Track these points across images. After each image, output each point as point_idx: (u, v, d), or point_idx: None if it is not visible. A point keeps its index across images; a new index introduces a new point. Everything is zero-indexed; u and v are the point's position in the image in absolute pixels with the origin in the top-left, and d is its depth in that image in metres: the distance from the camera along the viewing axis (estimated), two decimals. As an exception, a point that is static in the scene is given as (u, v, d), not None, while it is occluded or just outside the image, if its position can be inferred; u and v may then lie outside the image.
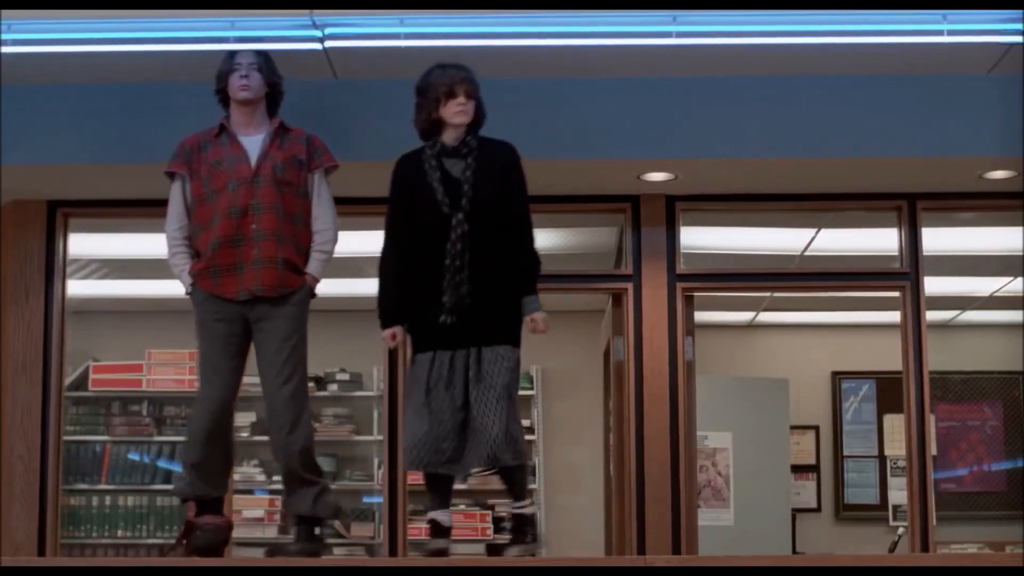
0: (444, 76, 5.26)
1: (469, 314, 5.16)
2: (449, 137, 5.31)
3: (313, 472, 5.49)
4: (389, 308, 5.35)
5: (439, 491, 5.32)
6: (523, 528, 5.31)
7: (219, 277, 5.45)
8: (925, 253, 7.43)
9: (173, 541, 8.11)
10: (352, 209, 7.58)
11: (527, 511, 5.33)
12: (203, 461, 5.47)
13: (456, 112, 5.26)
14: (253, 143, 5.57)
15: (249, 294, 5.43)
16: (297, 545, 5.47)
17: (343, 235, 8.60)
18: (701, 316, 7.79)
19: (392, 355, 7.39)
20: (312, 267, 5.58)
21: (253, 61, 5.65)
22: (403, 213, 5.34)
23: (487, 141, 5.36)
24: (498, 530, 9.46)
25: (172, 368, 8.52)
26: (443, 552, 5.25)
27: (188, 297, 5.58)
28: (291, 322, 5.47)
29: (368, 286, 8.01)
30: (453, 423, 5.14)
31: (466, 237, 5.17)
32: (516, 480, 5.30)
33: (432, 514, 5.33)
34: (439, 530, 5.29)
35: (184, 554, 5.46)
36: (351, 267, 9.00)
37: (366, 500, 9.43)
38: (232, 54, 5.71)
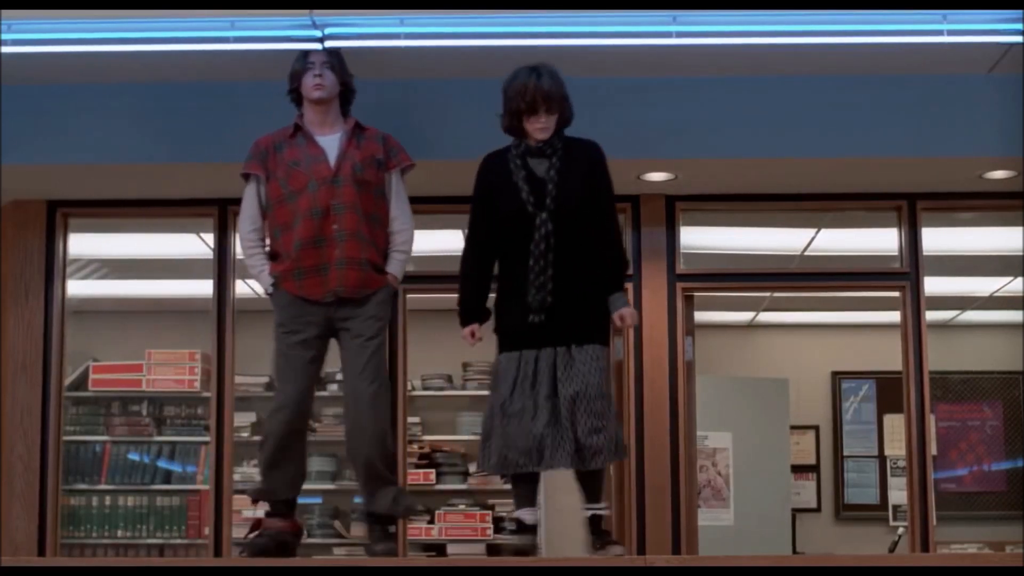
0: (526, 92, 5.19)
1: (555, 313, 5.14)
2: (534, 138, 5.29)
3: (393, 472, 5.51)
4: (469, 306, 5.35)
5: (524, 490, 5.31)
6: (602, 530, 5.28)
7: (304, 279, 5.43)
8: (925, 253, 7.43)
9: (185, 541, 8.18)
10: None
11: (604, 513, 5.30)
12: (278, 462, 5.46)
13: (538, 128, 5.24)
14: (330, 142, 5.55)
15: (334, 295, 5.42)
16: (381, 545, 5.41)
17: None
18: (701, 316, 7.79)
19: (392, 355, 7.39)
20: (393, 267, 5.58)
21: (326, 60, 5.62)
22: (487, 212, 5.32)
23: (572, 140, 5.34)
24: (498, 530, 9.46)
25: (172, 368, 8.51)
26: (528, 551, 5.22)
27: (268, 297, 5.56)
28: (375, 322, 5.47)
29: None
30: (540, 422, 5.10)
31: (550, 236, 5.15)
32: (598, 482, 5.28)
33: (518, 513, 5.32)
34: (523, 528, 5.28)
35: (245, 554, 5.45)
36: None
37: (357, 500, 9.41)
38: (305, 53, 5.68)
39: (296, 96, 5.68)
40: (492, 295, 5.40)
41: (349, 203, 5.44)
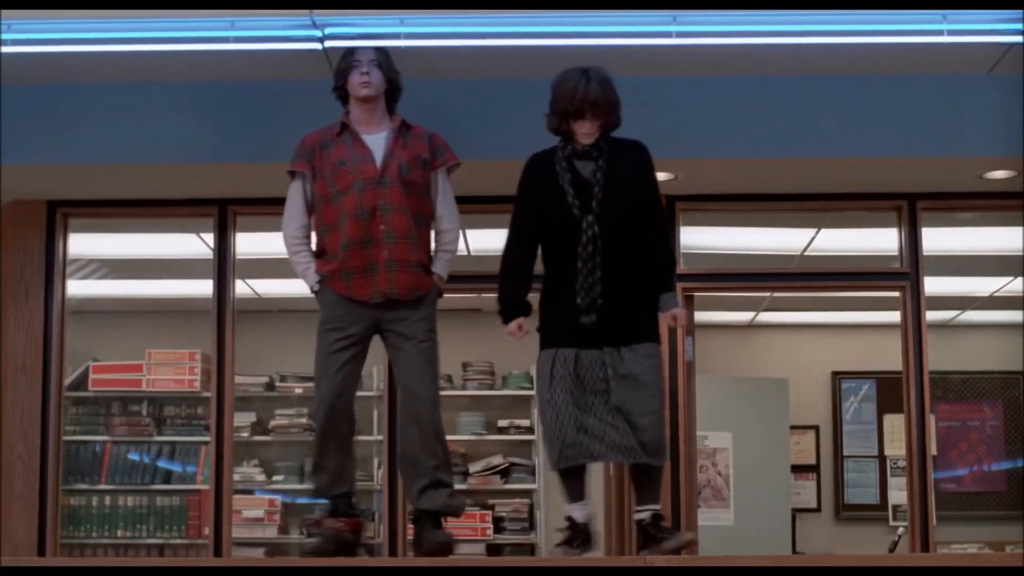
0: (574, 97, 5.19)
1: (606, 314, 5.14)
2: (580, 141, 5.28)
3: (449, 474, 5.49)
4: (511, 302, 5.35)
5: (574, 484, 5.29)
6: (662, 528, 5.24)
7: (351, 279, 5.41)
8: (925, 253, 7.43)
9: (185, 541, 8.18)
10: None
11: (647, 515, 5.24)
12: (321, 461, 5.46)
13: (583, 133, 5.25)
14: (376, 141, 5.51)
15: (382, 297, 5.40)
16: (442, 536, 5.35)
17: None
18: (701, 316, 7.80)
19: (392, 355, 7.39)
20: (439, 267, 5.55)
21: (373, 58, 5.57)
22: (531, 213, 5.31)
23: (618, 141, 5.34)
24: (498, 530, 9.47)
25: (172, 368, 8.52)
26: (581, 551, 5.20)
27: (314, 295, 5.54)
28: (427, 324, 5.45)
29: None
30: (593, 420, 5.11)
31: (597, 239, 5.15)
32: (654, 481, 5.25)
33: (568, 509, 5.29)
34: (575, 527, 5.26)
35: (302, 555, 5.46)
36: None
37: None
38: (351, 51, 5.63)
39: (342, 94, 5.63)
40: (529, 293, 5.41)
41: (396, 204, 5.40)
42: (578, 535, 5.25)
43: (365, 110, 5.56)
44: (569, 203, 5.19)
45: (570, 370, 5.15)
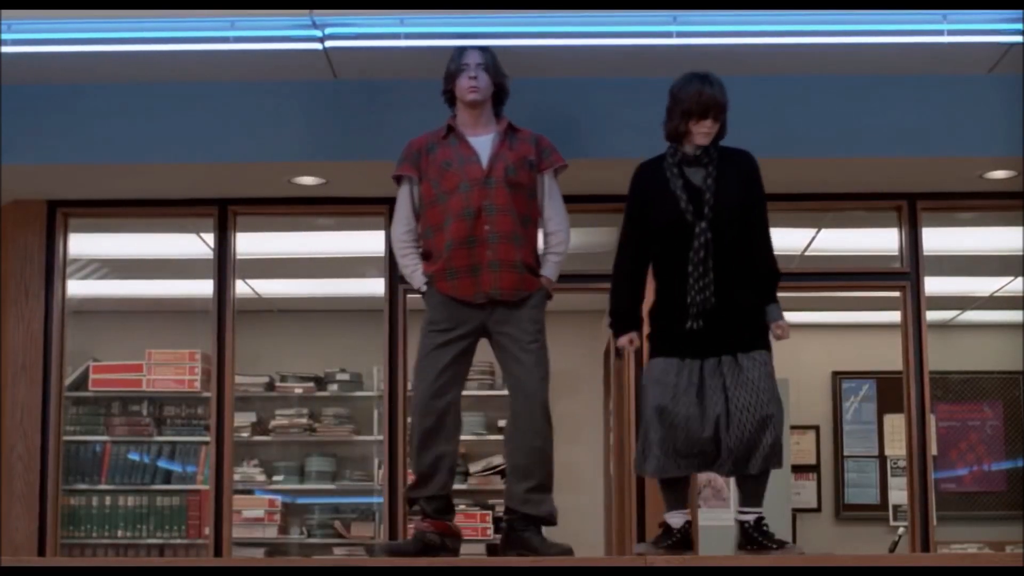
0: (701, 98, 5.24)
1: (718, 321, 5.17)
2: (691, 146, 5.31)
3: (551, 478, 5.48)
4: (624, 313, 5.38)
5: (675, 492, 5.31)
6: (762, 532, 5.25)
7: (456, 279, 5.40)
8: (925, 253, 7.44)
9: (185, 541, 8.18)
10: (352, 209, 7.62)
11: (762, 514, 5.27)
12: (432, 462, 5.44)
13: (703, 133, 5.27)
14: (482, 143, 5.51)
15: (486, 297, 5.39)
16: (543, 547, 5.31)
17: (339, 235, 8.63)
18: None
19: (392, 355, 7.40)
20: (548, 270, 5.54)
21: (481, 61, 5.55)
22: (642, 220, 5.32)
23: (726, 149, 5.37)
24: (498, 530, 9.45)
25: (172, 368, 8.51)
26: (667, 551, 5.20)
27: (421, 296, 5.54)
28: (534, 325, 5.44)
29: (367, 286, 8.06)
30: (704, 430, 5.12)
31: (709, 245, 5.18)
32: (760, 486, 5.27)
33: (666, 515, 5.31)
34: (668, 532, 5.27)
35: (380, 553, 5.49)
36: (351, 268, 9.02)
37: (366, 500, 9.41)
38: (460, 53, 5.60)
39: (449, 97, 5.62)
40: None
41: (502, 205, 5.40)
42: (670, 536, 5.26)
43: (472, 113, 5.55)
44: (682, 209, 5.22)
45: (694, 381, 5.16)
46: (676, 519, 5.29)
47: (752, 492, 5.27)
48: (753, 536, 5.20)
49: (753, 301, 5.27)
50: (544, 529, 5.49)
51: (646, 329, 5.40)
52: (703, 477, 9.65)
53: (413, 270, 5.55)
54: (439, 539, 5.43)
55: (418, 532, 5.44)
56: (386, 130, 6.76)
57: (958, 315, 10.50)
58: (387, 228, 7.40)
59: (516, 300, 5.42)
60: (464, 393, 9.80)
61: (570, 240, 5.64)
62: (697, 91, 5.25)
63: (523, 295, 5.43)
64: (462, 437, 9.38)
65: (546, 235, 5.58)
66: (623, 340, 5.37)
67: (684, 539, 5.28)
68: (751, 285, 5.27)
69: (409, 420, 5.59)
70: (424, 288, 5.49)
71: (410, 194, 5.58)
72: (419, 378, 5.46)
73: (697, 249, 5.18)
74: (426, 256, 5.53)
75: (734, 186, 5.27)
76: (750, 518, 5.23)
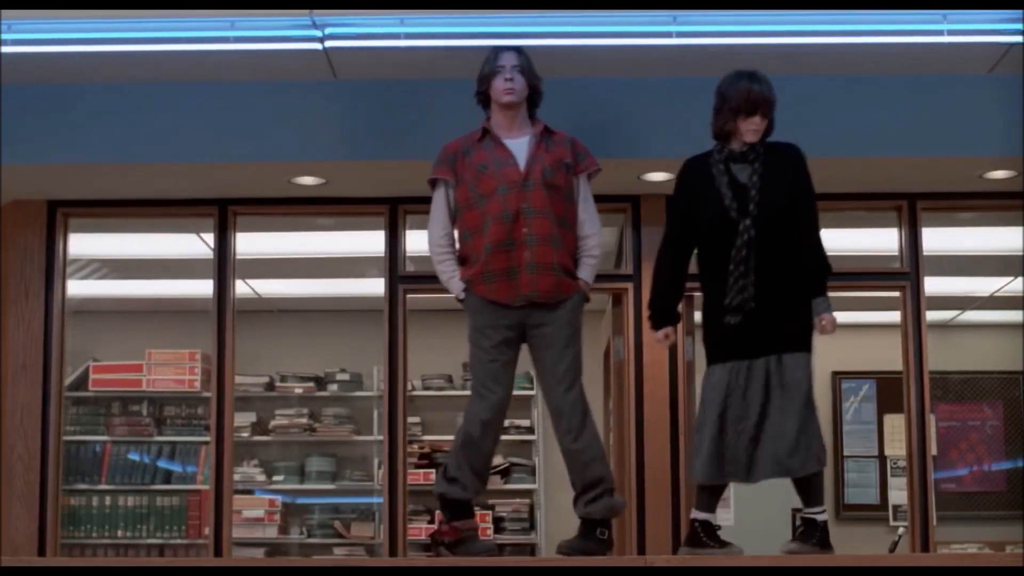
0: (750, 95, 5.27)
1: (759, 320, 5.18)
2: (738, 143, 5.32)
3: (609, 472, 5.49)
4: (662, 308, 5.41)
5: (711, 495, 5.34)
6: (813, 531, 5.29)
7: (494, 282, 5.40)
8: (925, 253, 7.43)
9: (185, 541, 8.18)
10: (352, 209, 7.61)
11: (819, 518, 5.31)
12: (471, 464, 5.46)
13: (751, 130, 5.29)
14: (518, 146, 5.49)
15: (525, 300, 5.39)
16: (587, 543, 5.37)
17: (339, 235, 8.62)
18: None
19: (392, 355, 7.39)
20: (584, 273, 5.55)
21: (516, 63, 5.54)
22: (687, 216, 5.34)
23: (773, 144, 5.38)
24: (498, 530, 9.46)
25: (172, 368, 8.52)
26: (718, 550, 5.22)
27: (461, 303, 5.54)
28: (570, 328, 5.46)
29: (367, 286, 8.05)
30: (749, 433, 5.16)
31: (752, 242, 5.19)
32: (814, 486, 5.30)
33: (695, 513, 5.34)
34: (709, 530, 5.30)
35: (434, 553, 5.50)
36: (351, 268, 9.02)
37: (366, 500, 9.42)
38: (495, 55, 5.59)
39: (483, 98, 5.60)
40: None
41: (540, 207, 5.39)
42: (711, 536, 5.28)
43: (507, 116, 5.54)
44: (726, 206, 5.23)
45: (740, 384, 5.18)
46: (709, 519, 5.31)
47: (807, 492, 5.31)
48: (816, 533, 5.26)
49: (797, 299, 5.27)
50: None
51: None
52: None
53: (450, 276, 5.54)
54: (463, 538, 5.48)
55: (472, 530, 5.49)
56: (386, 130, 6.76)
57: (958, 315, 10.49)
58: (387, 228, 7.42)
59: (554, 302, 5.42)
60: (464, 393, 9.82)
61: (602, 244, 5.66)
62: (746, 88, 5.27)
63: (561, 298, 5.44)
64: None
65: (580, 239, 5.56)
66: (659, 335, 5.42)
67: (718, 538, 5.31)
68: (795, 283, 5.27)
69: (458, 422, 5.59)
70: (462, 295, 5.49)
71: (446, 197, 5.56)
72: (482, 384, 5.47)
73: (739, 247, 5.19)
74: (462, 260, 5.53)
75: (780, 182, 5.28)
76: (821, 517, 5.29)
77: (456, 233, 5.57)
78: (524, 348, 5.56)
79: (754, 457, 5.18)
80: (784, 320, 5.22)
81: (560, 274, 5.42)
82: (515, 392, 9.89)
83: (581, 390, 5.49)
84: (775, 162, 5.31)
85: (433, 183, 5.59)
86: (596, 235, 5.59)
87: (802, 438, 5.14)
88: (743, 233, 5.19)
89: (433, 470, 9.34)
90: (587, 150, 5.63)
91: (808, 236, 5.33)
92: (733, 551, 5.28)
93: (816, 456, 5.19)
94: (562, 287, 5.43)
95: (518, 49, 5.62)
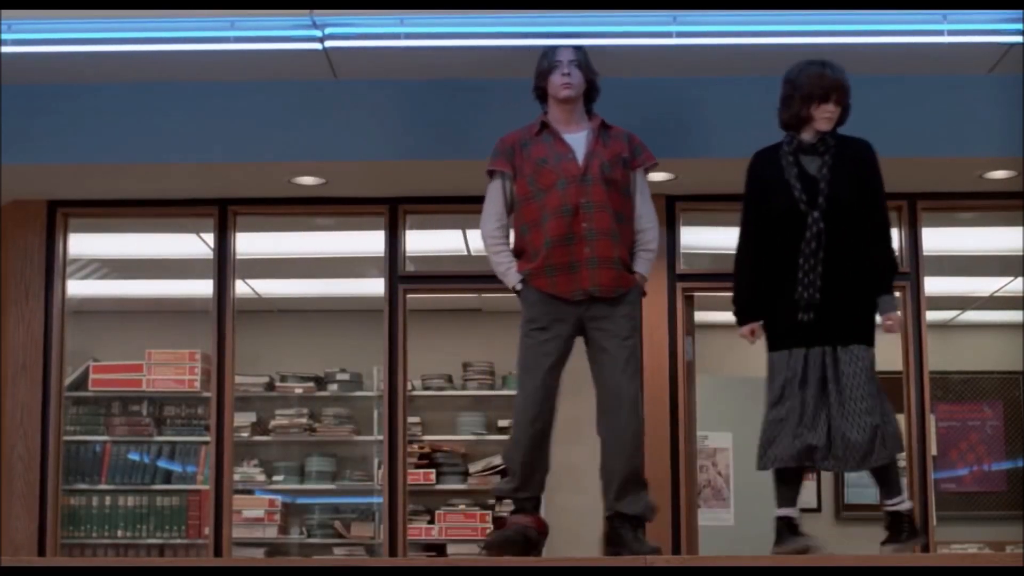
0: (823, 80, 5.25)
1: (823, 311, 5.17)
2: (808, 134, 5.31)
3: (639, 468, 5.50)
4: (747, 304, 5.39)
5: (790, 487, 5.32)
6: (900, 525, 5.27)
7: (555, 276, 5.40)
8: (925, 253, 7.44)
9: (185, 541, 8.18)
10: (352, 209, 7.61)
11: (902, 507, 5.29)
12: (527, 460, 5.45)
13: (825, 117, 5.27)
14: (576, 140, 5.51)
15: (585, 294, 5.39)
16: (635, 544, 5.35)
17: (339, 235, 8.62)
18: (701, 316, 7.78)
19: (392, 355, 7.39)
20: (640, 266, 5.55)
21: (573, 58, 5.55)
22: (760, 209, 5.33)
23: (844, 138, 5.36)
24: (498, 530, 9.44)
25: (172, 368, 8.50)
26: (805, 550, 5.18)
27: (516, 295, 5.52)
28: (630, 322, 5.46)
29: (367, 286, 8.05)
30: (812, 420, 5.15)
31: (821, 235, 5.18)
32: (889, 477, 5.29)
33: (781, 511, 5.31)
34: (791, 527, 5.27)
35: (484, 551, 5.45)
36: (351, 268, 9.02)
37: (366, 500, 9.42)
38: (553, 50, 5.59)
39: (540, 94, 5.61)
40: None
41: (599, 202, 5.40)
42: (795, 531, 5.26)
43: (564, 110, 5.55)
44: (796, 198, 5.22)
45: (798, 372, 5.18)
46: (794, 513, 5.29)
47: (885, 482, 5.28)
48: (903, 526, 5.23)
49: (862, 294, 5.25)
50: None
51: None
52: (703, 477, 9.66)
53: (507, 268, 5.53)
54: (538, 536, 5.49)
55: (520, 525, 5.45)
56: (386, 130, 6.76)
57: (958, 315, 10.49)
58: (387, 228, 7.42)
59: (614, 296, 5.43)
60: (464, 393, 9.90)
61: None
62: (818, 74, 5.25)
63: (620, 292, 5.44)
64: (462, 437, 9.53)
65: (637, 232, 5.57)
66: (744, 331, 5.41)
67: (800, 534, 5.28)
68: (861, 278, 5.25)
69: (512, 419, 5.59)
70: (519, 287, 5.49)
71: (502, 190, 5.56)
72: (528, 376, 5.47)
73: (808, 240, 5.18)
74: (517, 253, 5.53)
75: (850, 176, 5.26)
76: (904, 506, 5.26)
77: (512, 225, 5.55)
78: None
79: (823, 447, 5.15)
80: (849, 313, 5.20)
81: (620, 268, 5.44)
82: (515, 392, 9.97)
83: (641, 382, 5.51)
84: (845, 156, 5.29)
85: (491, 174, 5.59)
86: (653, 229, 5.60)
87: (877, 428, 5.13)
88: (812, 226, 5.18)
89: (433, 470, 9.35)
90: (644, 144, 5.64)
91: (878, 233, 5.30)
92: (811, 542, 5.25)
93: (893, 445, 5.19)
94: (622, 281, 5.44)
95: (576, 45, 5.62)
